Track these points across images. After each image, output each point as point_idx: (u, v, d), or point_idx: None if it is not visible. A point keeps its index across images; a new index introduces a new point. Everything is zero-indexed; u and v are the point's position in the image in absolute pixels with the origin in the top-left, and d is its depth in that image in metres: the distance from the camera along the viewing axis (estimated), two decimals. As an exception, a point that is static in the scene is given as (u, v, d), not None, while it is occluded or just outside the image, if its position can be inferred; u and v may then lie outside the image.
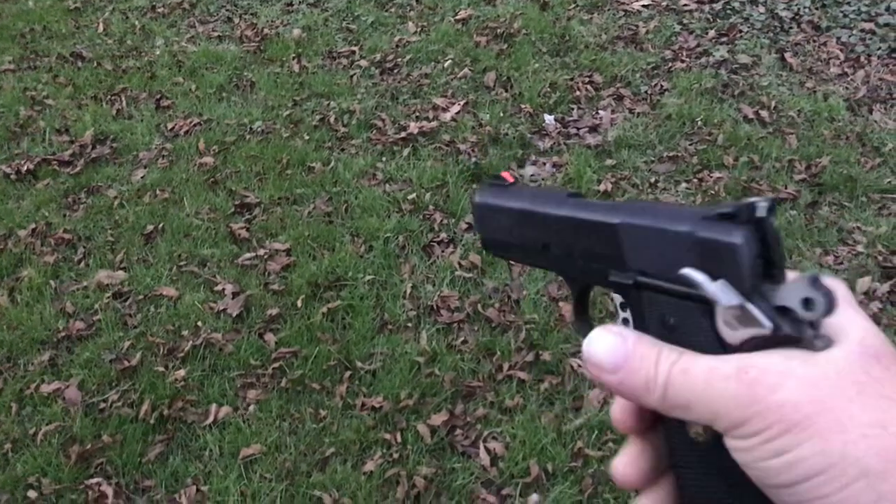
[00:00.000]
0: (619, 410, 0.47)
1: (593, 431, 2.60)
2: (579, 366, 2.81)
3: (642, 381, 0.42)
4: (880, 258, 3.22)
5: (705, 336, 0.43)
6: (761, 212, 0.42)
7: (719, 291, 0.42)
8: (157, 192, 3.67)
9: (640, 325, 0.48)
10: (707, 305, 0.43)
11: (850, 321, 0.42)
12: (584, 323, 0.58)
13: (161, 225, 3.49)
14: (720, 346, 0.42)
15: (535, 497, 2.46)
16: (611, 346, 0.44)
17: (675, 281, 0.45)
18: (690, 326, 0.44)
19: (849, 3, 4.93)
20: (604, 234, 0.50)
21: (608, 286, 0.51)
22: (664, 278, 0.46)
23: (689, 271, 0.44)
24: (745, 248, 0.41)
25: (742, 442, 0.39)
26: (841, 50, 4.57)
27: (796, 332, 0.41)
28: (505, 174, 0.61)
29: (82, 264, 3.33)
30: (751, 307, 0.41)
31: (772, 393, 0.38)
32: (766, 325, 0.41)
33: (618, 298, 0.51)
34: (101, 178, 3.78)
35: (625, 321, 0.50)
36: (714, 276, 0.43)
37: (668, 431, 0.47)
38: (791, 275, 0.43)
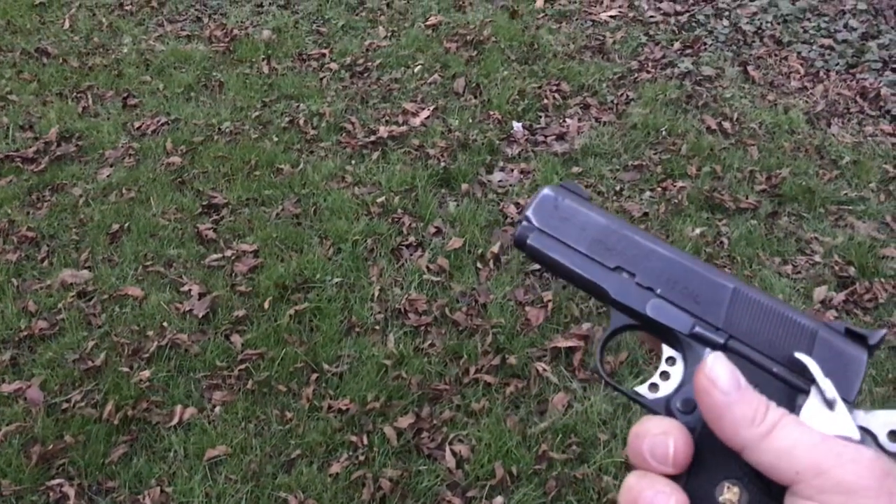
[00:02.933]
0: (682, 443, 0.48)
1: (557, 435, 2.64)
2: (544, 370, 2.85)
3: (750, 412, 0.44)
4: (836, 268, 3.31)
5: None
6: (879, 345, 0.48)
7: (830, 385, 0.45)
8: (123, 191, 3.64)
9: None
10: (794, 391, 0.47)
11: None
12: (602, 360, 0.59)
13: (127, 224, 3.46)
14: None
15: (499, 500, 2.49)
16: (731, 371, 0.46)
17: (774, 358, 0.49)
18: None
19: (809, 20, 5.06)
20: (711, 290, 0.52)
21: (675, 336, 0.52)
22: (759, 352, 0.49)
23: (805, 357, 0.47)
24: (866, 365, 0.47)
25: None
26: (801, 64, 4.69)
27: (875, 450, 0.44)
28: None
29: (46, 263, 3.29)
30: (848, 412, 0.45)
31: (887, 476, 0.41)
32: (856, 435, 0.44)
33: (667, 352, 0.53)
34: (66, 175, 3.74)
35: (664, 375, 0.52)
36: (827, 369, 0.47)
37: (694, 493, 0.47)
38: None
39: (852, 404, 0.46)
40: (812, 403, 0.45)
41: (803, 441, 0.43)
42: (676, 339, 0.52)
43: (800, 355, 0.47)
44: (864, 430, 0.44)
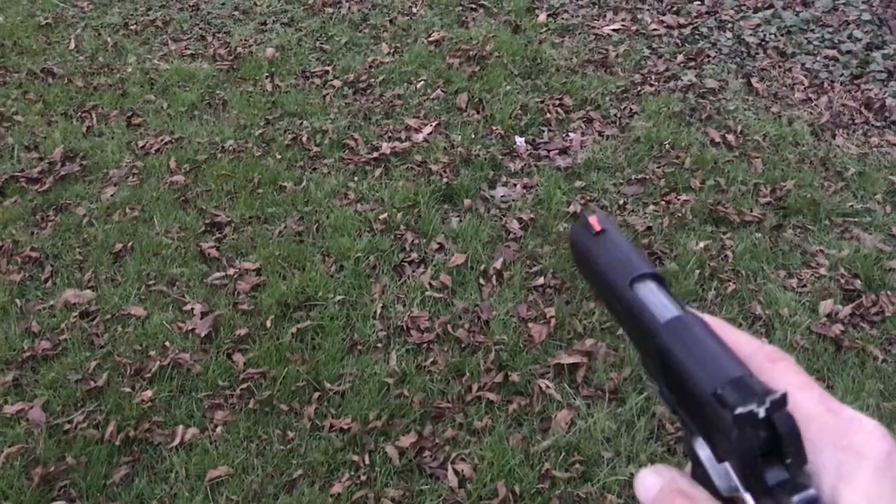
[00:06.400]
0: None
1: (561, 453, 2.62)
2: (547, 387, 2.83)
3: None
4: (842, 281, 3.29)
5: (710, 488, 0.41)
6: (748, 419, 0.37)
7: (718, 476, 0.40)
8: (127, 210, 3.65)
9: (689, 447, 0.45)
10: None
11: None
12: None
13: (130, 243, 3.47)
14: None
15: None
16: (646, 484, 0.44)
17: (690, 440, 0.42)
18: (702, 475, 0.42)
19: (813, 31, 5.05)
20: (652, 349, 0.44)
21: None
22: (686, 425, 0.43)
23: (697, 443, 0.41)
24: (742, 440, 0.37)
25: None
26: (805, 76, 4.67)
27: None
28: (593, 220, 0.51)
29: (49, 283, 3.30)
30: (747, 498, 0.38)
31: None
32: None
33: None
34: (70, 195, 3.76)
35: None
36: (724, 453, 0.40)
37: None
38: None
39: (757, 479, 0.38)
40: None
41: None
42: None
43: (694, 443, 0.42)
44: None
